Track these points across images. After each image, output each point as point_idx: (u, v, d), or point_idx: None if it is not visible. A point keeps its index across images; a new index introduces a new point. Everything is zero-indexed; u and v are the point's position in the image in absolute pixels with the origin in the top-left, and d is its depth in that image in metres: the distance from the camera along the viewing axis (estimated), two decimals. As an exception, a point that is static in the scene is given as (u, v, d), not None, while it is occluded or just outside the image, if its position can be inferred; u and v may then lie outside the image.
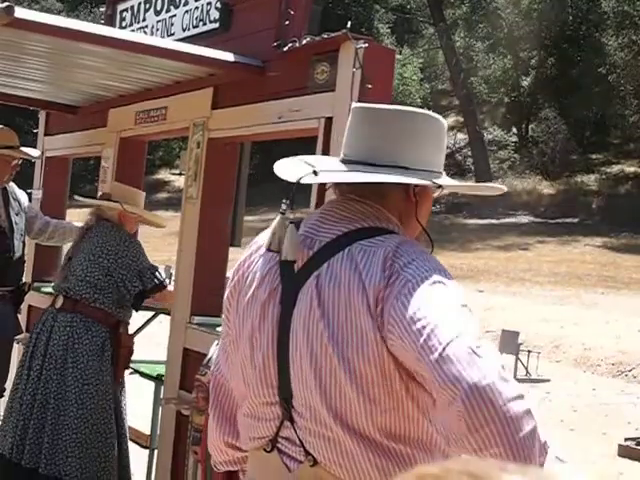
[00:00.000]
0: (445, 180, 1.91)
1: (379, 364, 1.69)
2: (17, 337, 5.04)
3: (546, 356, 12.52)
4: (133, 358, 4.92)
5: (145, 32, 4.76)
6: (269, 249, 1.83)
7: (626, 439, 8.17)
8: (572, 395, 10.59)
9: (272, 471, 1.87)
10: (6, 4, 3.30)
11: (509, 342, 11.50)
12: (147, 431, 5.46)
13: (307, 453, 1.80)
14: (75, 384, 4.16)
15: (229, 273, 2.05)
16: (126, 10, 5.04)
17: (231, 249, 4.46)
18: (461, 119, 34.54)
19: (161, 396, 4.55)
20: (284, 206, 1.83)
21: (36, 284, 5.59)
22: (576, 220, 27.46)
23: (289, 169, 1.88)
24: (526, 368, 11.48)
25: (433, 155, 1.90)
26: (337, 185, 1.93)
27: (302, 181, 1.81)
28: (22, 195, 5.31)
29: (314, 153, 3.20)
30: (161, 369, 4.87)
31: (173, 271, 4.67)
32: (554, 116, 31.69)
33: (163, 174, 37.73)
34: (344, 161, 1.88)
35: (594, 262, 21.72)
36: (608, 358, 12.49)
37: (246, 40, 3.91)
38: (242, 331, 1.90)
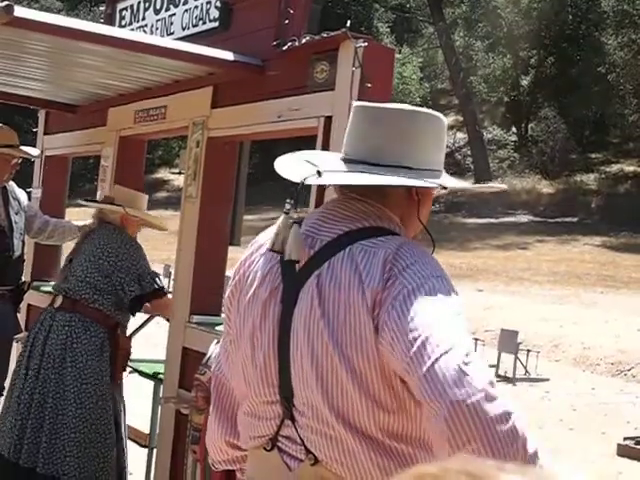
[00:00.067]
0: (451, 182, 1.91)
1: (378, 364, 1.70)
2: (16, 336, 5.03)
3: (545, 355, 12.52)
4: (133, 357, 4.93)
5: (145, 31, 4.75)
6: (272, 249, 1.83)
7: (625, 438, 8.17)
8: (571, 394, 10.59)
9: (272, 470, 1.86)
10: (6, 3, 3.30)
11: (508, 341, 11.50)
12: (146, 430, 5.46)
13: (308, 452, 1.80)
14: (74, 384, 4.15)
15: (229, 272, 2.05)
16: (126, 9, 5.03)
17: (230, 248, 4.46)
18: (460, 118, 34.55)
19: (160, 395, 4.55)
20: (288, 206, 1.82)
21: (35, 283, 5.58)
22: (575, 219, 27.48)
23: (292, 168, 1.87)
24: (525, 367, 11.49)
25: (435, 154, 1.90)
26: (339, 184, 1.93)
27: (306, 182, 1.80)
28: (22, 194, 5.31)
29: (313, 152, 3.19)
30: (158, 368, 4.87)
31: (172, 270, 4.67)
32: (553, 115, 31.71)
33: (162, 173, 37.75)
34: (346, 160, 1.87)
35: (593, 261, 21.73)
36: (607, 357, 12.49)
37: (246, 39, 3.91)
38: (243, 330, 1.90)
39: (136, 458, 5.11)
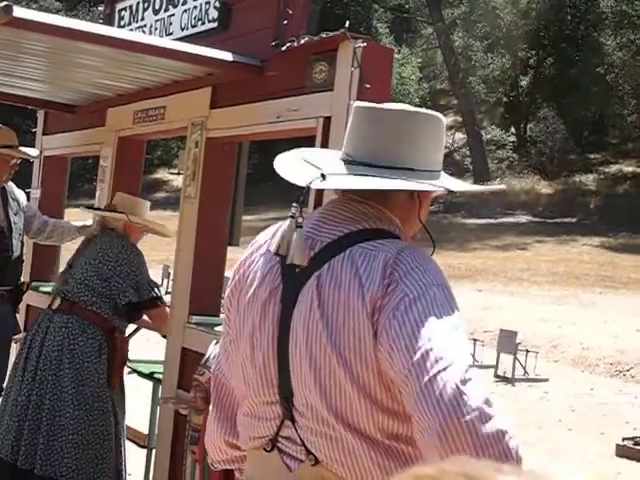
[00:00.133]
0: (456, 185, 1.91)
1: (376, 367, 1.70)
2: (15, 337, 5.03)
3: (544, 356, 12.52)
4: (132, 358, 4.92)
5: (144, 31, 4.75)
6: (277, 253, 1.82)
7: (624, 439, 8.17)
8: (570, 395, 10.60)
9: (272, 471, 1.86)
10: (4, 3, 3.30)
11: (507, 342, 11.49)
12: (145, 430, 5.46)
13: (308, 452, 1.80)
14: (71, 385, 4.15)
15: (228, 273, 2.05)
16: (125, 9, 5.03)
17: (229, 249, 4.46)
18: (459, 119, 34.56)
19: (159, 396, 4.55)
20: (294, 210, 1.81)
21: (34, 283, 5.58)
22: (574, 220, 27.49)
23: (294, 171, 1.86)
24: (524, 368, 11.49)
25: (435, 154, 1.90)
26: None
27: (312, 186, 1.79)
28: (21, 194, 5.31)
29: (312, 153, 3.19)
30: (155, 368, 4.87)
31: (171, 271, 4.67)
32: (552, 116, 31.72)
33: (161, 173, 37.76)
34: (347, 161, 1.86)
35: (592, 262, 21.73)
36: (606, 358, 12.49)
37: (244, 39, 3.91)
38: (242, 330, 1.89)
39: (135, 459, 5.11)
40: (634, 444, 8.03)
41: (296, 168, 1.87)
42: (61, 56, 4.10)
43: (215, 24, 4.16)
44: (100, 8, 5.53)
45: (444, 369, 1.57)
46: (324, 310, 1.74)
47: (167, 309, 4.34)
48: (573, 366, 12.52)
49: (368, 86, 3.15)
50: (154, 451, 4.55)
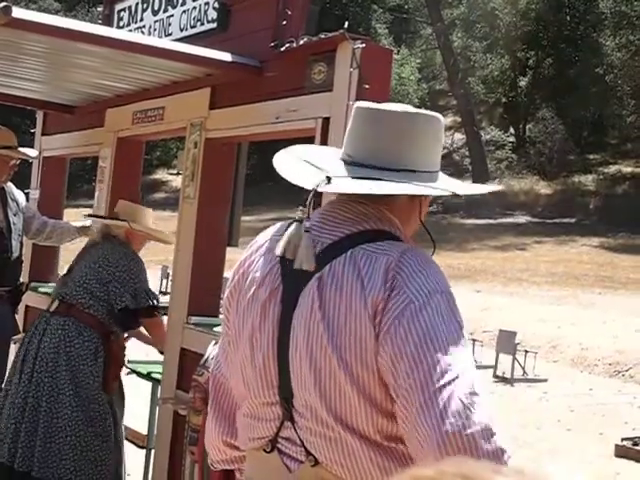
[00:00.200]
0: (463, 189, 1.90)
1: (377, 369, 1.70)
2: (14, 337, 5.03)
3: (543, 356, 12.52)
4: (131, 358, 4.92)
5: (143, 32, 4.75)
6: (284, 257, 1.80)
7: (623, 439, 8.17)
8: (569, 395, 10.60)
9: (272, 472, 1.86)
10: (3, 4, 3.30)
11: (506, 342, 11.50)
12: (144, 431, 5.46)
13: (308, 453, 1.79)
14: (69, 387, 4.14)
15: (227, 273, 2.04)
16: (124, 10, 5.03)
17: (228, 249, 4.46)
18: (459, 119, 34.57)
19: (158, 396, 4.55)
20: (300, 213, 1.81)
21: (33, 284, 5.58)
22: (573, 220, 27.49)
23: (296, 172, 1.85)
24: (523, 368, 11.49)
25: (435, 155, 1.90)
26: None
27: (318, 189, 1.78)
28: (20, 195, 5.31)
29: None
30: (153, 368, 4.87)
31: (170, 271, 4.67)
32: (551, 116, 31.72)
33: (161, 174, 37.74)
34: (349, 163, 1.85)
35: (591, 262, 21.73)
36: (605, 358, 12.49)
37: (244, 40, 3.91)
38: (242, 331, 1.89)
39: (134, 459, 5.11)
40: (633, 444, 8.03)
41: (298, 169, 1.86)
42: (60, 57, 4.11)
43: (214, 25, 4.16)
44: (99, 9, 5.53)
45: (449, 382, 1.60)
46: (325, 311, 1.74)
47: (164, 321, 4.34)
48: (572, 366, 12.52)
49: (367, 87, 3.15)
50: (153, 451, 4.55)
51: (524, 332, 12.74)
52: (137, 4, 4.87)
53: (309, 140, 3.40)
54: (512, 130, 34.25)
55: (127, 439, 4.62)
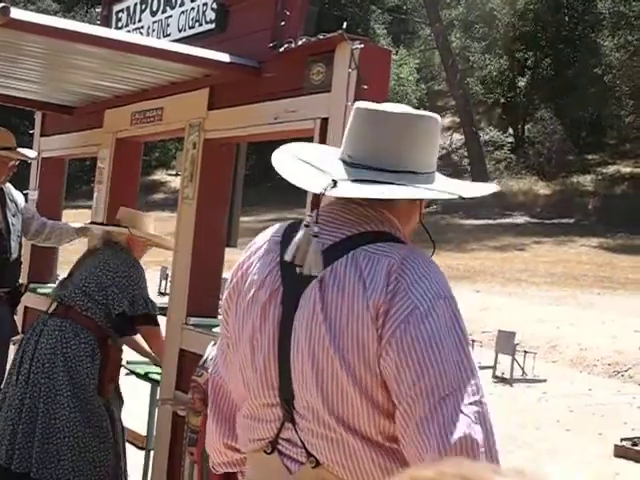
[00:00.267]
0: (469, 192, 1.90)
1: (379, 372, 1.70)
2: (13, 338, 5.03)
3: (542, 356, 12.52)
4: (129, 359, 4.92)
5: (141, 33, 4.75)
6: (292, 262, 1.79)
7: (622, 439, 8.17)
8: (568, 395, 10.60)
9: (272, 473, 1.85)
10: (2, 5, 3.30)
11: (505, 342, 11.50)
12: (143, 432, 5.45)
13: (309, 454, 1.79)
14: (66, 387, 4.14)
15: (225, 274, 2.04)
16: (122, 11, 5.03)
17: (227, 250, 4.46)
18: (457, 120, 34.56)
19: (157, 397, 4.55)
20: (309, 219, 1.79)
21: (32, 285, 5.58)
22: (572, 220, 27.50)
23: (298, 174, 1.84)
24: (522, 368, 11.49)
25: (433, 156, 1.90)
26: None
27: (327, 193, 1.77)
28: (19, 196, 5.30)
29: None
30: (151, 368, 4.87)
31: (169, 272, 4.66)
32: (550, 117, 31.73)
33: (159, 175, 37.72)
34: (350, 164, 1.84)
35: (590, 262, 21.74)
36: (604, 358, 12.50)
37: (242, 41, 3.91)
38: (242, 333, 1.88)
39: (133, 460, 5.11)
40: (632, 444, 8.03)
41: (300, 171, 1.85)
42: (58, 57, 4.10)
43: (212, 25, 4.16)
44: (98, 10, 5.53)
45: (453, 394, 1.63)
46: (327, 313, 1.74)
47: (161, 331, 4.33)
48: (571, 367, 12.52)
49: (366, 87, 3.15)
50: (152, 452, 4.55)
51: (523, 332, 12.74)
52: (135, 5, 4.87)
53: (308, 141, 3.40)
54: (511, 130, 34.25)
55: (126, 440, 4.61)
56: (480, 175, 29.71)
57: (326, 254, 1.78)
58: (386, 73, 3.35)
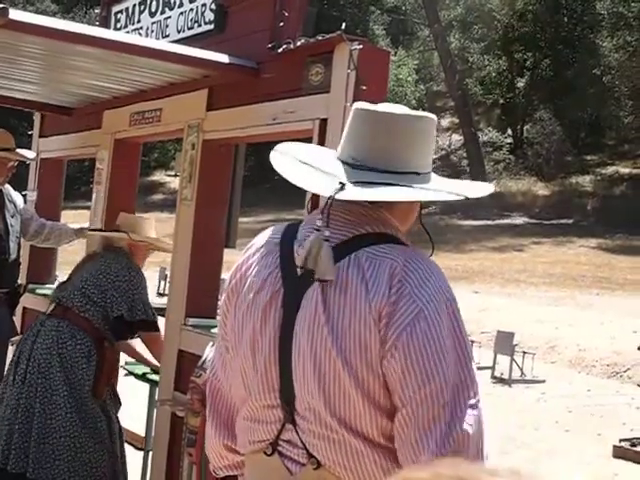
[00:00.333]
0: (474, 192, 1.90)
1: (381, 374, 1.71)
2: (12, 339, 5.02)
3: (541, 357, 12.53)
4: (127, 360, 4.91)
5: (140, 34, 4.75)
6: (304, 267, 1.77)
7: (621, 440, 8.18)
8: (567, 396, 10.60)
9: (273, 474, 1.85)
10: (0, 6, 3.30)
11: (504, 343, 11.51)
12: (142, 433, 5.45)
13: (310, 456, 1.79)
14: (63, 388, 4.13)
15: (224, 275, 2.03)
16: (121, 12, 5.03)
17: (226, 251, 4.46)
18: (456, 120, 34.57)
19: (156, 398, 4.54)
20: (319, 222, 1.79)
21: (31, 286, 5.58)
22: (571, 221, 27.51)
23: (305, 178, 1.84)
24: (521, 369, 11.49)
25: (430, 156, 1.91)
26: None
27: (337, 197, 1.76)
28: (17, 197, 5.30)
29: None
30: (148, 369, 4.86)
31: (168, 273, 4.66)
32: (549, 117, 31.76)
33: (158, 176, 37.73)
34: (353, 165, 1.84)
35: (589, 263, 21.75)
36: (603, 359, 12.50)
37: (241, 42, 3.91)
38: (242, 335, 1.88)
39: (132, 461, 5.10)
40: (631, 445, 8.04)
41: (304, 173, 1.85)
42: (57, 58, 4.10)
43: (211, 26, 4.16)
44: (97, 11, 5.53)
45: (455, 399, 1.67)
46: (329, 315, 1.74)
47: (161, 336, 4.33)
48: (570, 367, 12.53)
49: (364, 88, 3.15)
50: (151, 453, 4.55)
51: (522, 333, 12.75)
52: (134, 6, 4.87)
53: (307, 141, 3.40)
54: (510, 131, 34.27)
55: (125, 441, 4.60)
56: (479, 176, 29.70)
57: None
58: (385, 74, 3.35)
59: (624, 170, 30.61)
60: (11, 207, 5.16)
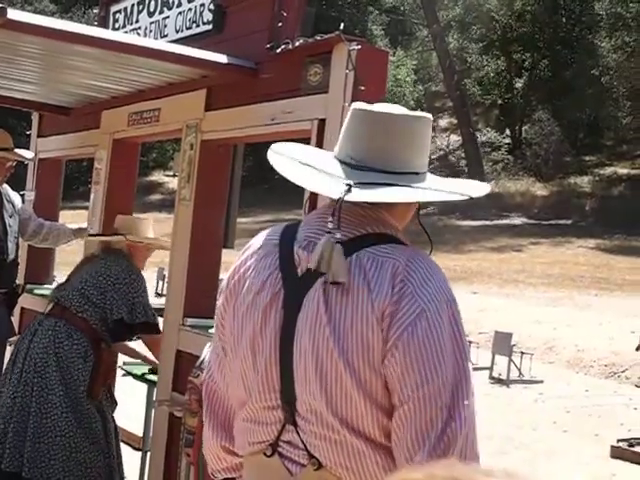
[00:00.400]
0: (476, 191, 1.90)
1: (383, 373, 1.71)
2: (10, 339, 5.02)
3: (539, 357, 12.53)
4: (126, 360, 4.91)
5: (138, 34, 4.75)
6: (318, 270, 1.76)
7: (619, 440, 8.17)
8: (565, 396, 10.60)
9: (273, 475, 1.85)
10: (-1, 6, 3.30)
11: (502, 343, 11.50)
12: (140, 433, 5.45)
13: (310, 456, 1.79)
14: (59, 387, 4.13)
15: (222, 275, 2.03)
16: (119, 12, 5.03)
17: (224, 251, 4.46)
18: (455, 121, 34.57)
19: (154, 398, 4.54)
20: (331, 225, 1.78)
21: (29, 286, 5.57)
22: (569, 222, 27.52)
23: (309, 180, 1.83)
24: (519, 369, 11.49)
25: (426, 156, 1.91)
26: None
27: (347, 198, 1.75)
28: (16, 197, 5.30)
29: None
30: (147, 369, 4.86)
31: (166, 273, 4.66)
32: (547, 118, 31.75)
33: (157, 176, 37.70)
34: (352, 165, 1.83)
35: (587, 264, 21.75)
36: (601, 359, 12.50)
37: (239, 42, 3.91)
38: (241, 337, 1.87)
39: (130, 461, 5.10)
40: (629, 446, 8.04)
41: (307, 174, 1.84)
42: (55, 58, 4.10)
43: (210, 26, 4.16)
44: (95, 11, 5.53)
45: (452, 399, 1.67)
46: (331, 315, 1.73)
47: (160, 337, 4.33)
48: (568, 368, 12.53)
49: (363, 88, 3.15)
50: (149, 453, 4.55)
51: (520, 333, 12.75)
52: (133, 6, 4.87)
53: (305, 142, 3.40)
54: (508, 132, 34.27)
55: (123, 441, 4.60)
56: (477, 176, 29.63)
57: None
58: (383, 74, 3.35)
59: (622, 171, 30.62)
60: (9, 207, 5.15)
